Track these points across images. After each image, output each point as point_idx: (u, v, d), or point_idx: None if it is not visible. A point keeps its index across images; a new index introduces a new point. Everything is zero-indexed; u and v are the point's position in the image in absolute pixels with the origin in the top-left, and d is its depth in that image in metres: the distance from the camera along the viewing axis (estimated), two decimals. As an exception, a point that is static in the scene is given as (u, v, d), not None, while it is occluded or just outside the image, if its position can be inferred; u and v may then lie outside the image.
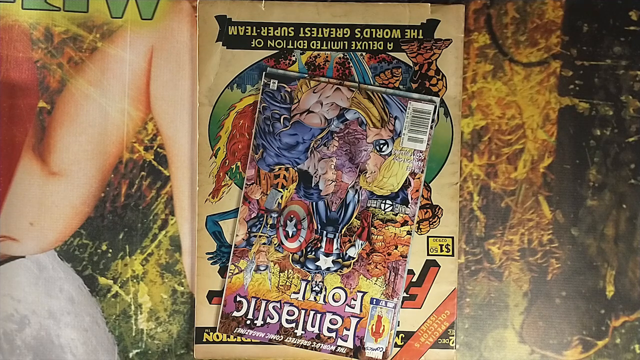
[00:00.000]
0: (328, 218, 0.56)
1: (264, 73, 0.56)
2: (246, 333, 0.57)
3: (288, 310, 0.56)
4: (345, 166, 0.56)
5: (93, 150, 0.58)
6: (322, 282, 0.57)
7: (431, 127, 0.56)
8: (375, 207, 0.56)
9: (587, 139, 0.58)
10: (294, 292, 0.57)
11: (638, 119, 0.58)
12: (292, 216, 0.56)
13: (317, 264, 0.56)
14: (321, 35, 0.56)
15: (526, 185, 0.58)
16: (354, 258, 0.56)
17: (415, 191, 0.56)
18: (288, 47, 0.57)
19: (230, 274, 0.57)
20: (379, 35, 0.56)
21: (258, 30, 0.57)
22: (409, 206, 0.56)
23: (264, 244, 0.57)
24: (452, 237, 0.57)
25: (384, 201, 0.56)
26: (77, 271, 0.58)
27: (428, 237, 0.57)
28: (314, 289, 0.57)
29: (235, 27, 0.57)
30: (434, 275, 0.57)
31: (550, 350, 0.59)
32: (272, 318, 0.57)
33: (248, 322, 0.56)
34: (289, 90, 0.56)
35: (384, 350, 0.56)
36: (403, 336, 0.57)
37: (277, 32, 0.57)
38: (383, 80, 0.56)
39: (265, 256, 0.57)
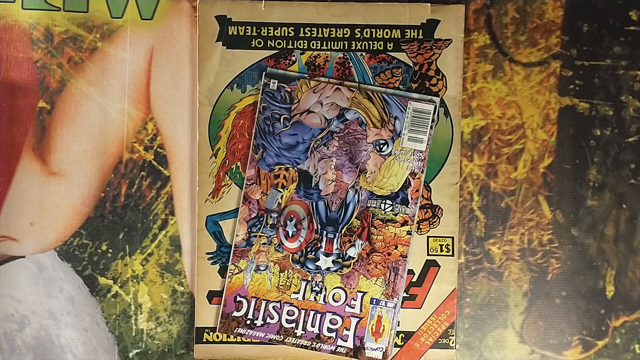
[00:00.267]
0: (328, 218, 0.56)
1: (264, 73, 0.56)
2: (246, 333, 0.57)
3: (288, 310, 0.56)
4: (345, 166, 0.56)
5: (93, 150, 0.58)
6: (322, 282, 0.57)
7: (431, 127, 0.56)
8: (375, 207, 0.56)
9: (587, 139, 0.58)
10: (294, 292, 0.57)
11: (638, 119, 0.58)
12: (292, 216, 0.56)
13: (317, 264, 0.56)
14: (321, 35, 0.56)
15: (526, 185, 0.58)
16: (354, 258, 0.56)
17: (415, 191, 0.56)
18: (288, 47, 0.57)
19: (230, 274, 0.57)
20: (379, 35, 0.56)
21: (258, 30, 0.57)
22: (409, 206, 0.56)
23: (264, 244, 0.57)
24: (452, 237, 0.57)
25: (384, 201, 0.56)
26: (77, 271, 0.58)
27: (428, 237, 0.57)
28: (314, 289, 0.57)
29: (235, 27, 0.57)
30: (434, 275, 0.57)
31: (550, 350, 0.59)
32: (272, 318, 0.57)
33: (248, 322, 0.57)
34: (289, 90, 0.56)
35: (384, 350, 0.56)
36: (403, 336, 0.57)
37: (277, 32, 0.57)
38: (383, 80, 0.56)
39: (265, 256, 0.57)
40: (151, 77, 0.58)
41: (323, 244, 0.56)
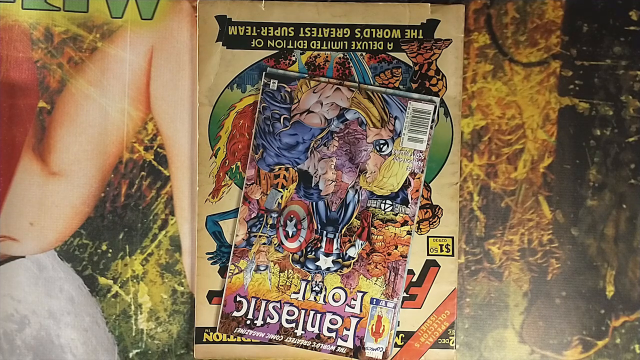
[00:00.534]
0: (328, 218, 0.56)
1: (264, 73, 0.56)
2: (246, 333, 0.57)
3: (288, 310, 0.56)
4: (345, 166, 0.56)
5: (93, 150, 0.58)
6: (322, 282, 0.57)
7: (431, 127, 0.56)
8: (375, 207, 0.56)
9: (587, 139, 0.58)
10: (294, 292, 0.57)
11: (638, 119, 0.58)
12: (292, 216, 0.56)
13: (317, 264, 0.56)
14: (321, 35, 0.56)
15: (526, 185, 0.58)
16: (354, 258, 0.56)
17: (415, 191, 0.56)
18: (288, 47, 0.57)
19: (230, 274, 0.57)
20: (379, 35, 0.56)
21: (258, 30, 0.57)
22: (409, 206, 0.56)
23: (264, 244, 0.57)
24: (452, 237, 0.57)
25: (384, 201, 0.56)
26: (77, 271, 0.58)
27: (428, 237, 0.57)
28: (314, 289, 0.57)
29: (235, 27, 0.57)
30: (434, 275, 0.57)
31: (550, 350, 0.59)
32: (272, 318, 0.57)
33: (248, 322, 0.56)
34: (289, 90, 0.56)
35: (384, 350, 0.56)
36: (403, 336, 0.57)
37: (277, 32, 0.57)
38: (383, 80, 0.56)
39: (265, 256, 0.57)
40: (151, 77, 0.58)
41: (323, 244, 0.56)
